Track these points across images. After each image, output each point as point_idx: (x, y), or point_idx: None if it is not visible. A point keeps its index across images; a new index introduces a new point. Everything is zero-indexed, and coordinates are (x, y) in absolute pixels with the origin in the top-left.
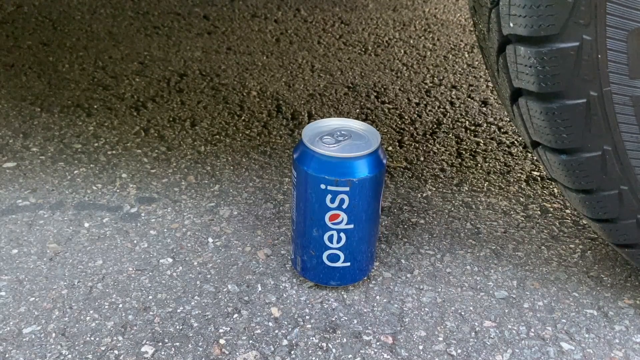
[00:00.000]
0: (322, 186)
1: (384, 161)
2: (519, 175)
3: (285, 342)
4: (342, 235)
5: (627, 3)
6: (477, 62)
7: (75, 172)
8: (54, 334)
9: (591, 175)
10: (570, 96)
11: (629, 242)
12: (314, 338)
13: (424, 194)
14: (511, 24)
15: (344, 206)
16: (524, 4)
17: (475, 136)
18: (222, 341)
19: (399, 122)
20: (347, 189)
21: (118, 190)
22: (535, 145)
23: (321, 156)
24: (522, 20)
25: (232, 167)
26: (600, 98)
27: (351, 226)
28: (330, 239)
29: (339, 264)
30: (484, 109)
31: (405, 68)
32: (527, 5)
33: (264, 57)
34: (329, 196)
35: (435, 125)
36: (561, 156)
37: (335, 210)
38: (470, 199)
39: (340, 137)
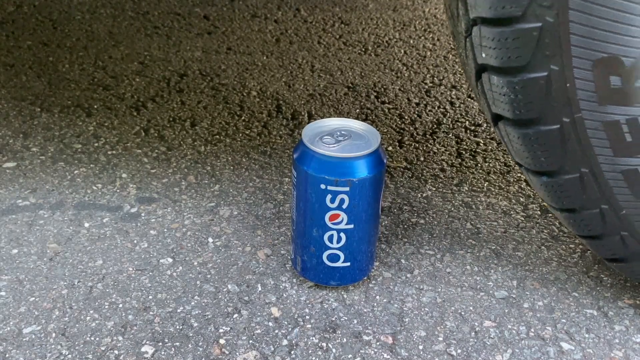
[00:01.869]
0: (322, 186)
1: (384, 161)
2: (519, 175)
3: (285, 342)
4: (342, 235)
5: (590, 35)
6: None
7: (75, 172)
8: (54, 334)
9: (572, 196)
10: (544, 122)
11: (617, 256)
12: (314, 338)
13: (424, 194)
14: (483, 55)
15: (344, 206)
16: (492, 36)
17: (475, 136)
18: (222, 341)
19: (399, 122)
20: (347, 189)
21: (118, 190)
22: (520, 166)
23: (321, 156)
24: (493, 51)
25: (232, 167)
26: (573, 124)
27: (351, 226)
28: (330, 239)
29: (339, 264)
30: None
31: (405, 68)
32: (495, 38)
33: (264, 57)
34: (329, 196)
35: (435, 125)
36: (542, 178)
37: (335, 210)
38: (470, 199)
39: (340, 137)
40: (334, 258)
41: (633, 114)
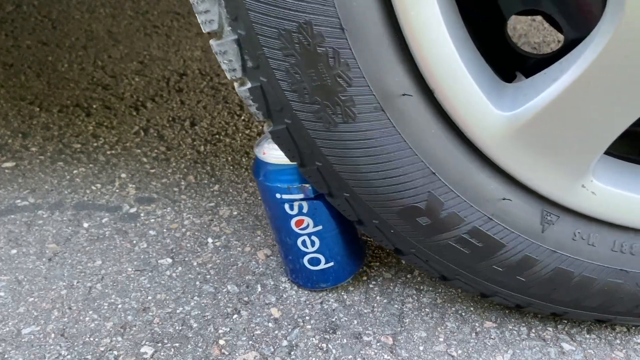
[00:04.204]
0: (278, 195)
1: None
2: None
3: (285, 342)
4: (315, 238)
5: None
6: None
7: (75, 172)
8: (53, 335)
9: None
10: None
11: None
12: (314, 339)
13: None
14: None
15: (305, 211)
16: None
17: None
18: (221, 342)
19: None
20: (302, 195)
21: (117, 190)
22: None
23: (270, 165)
24: None
25: (232, 167)
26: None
27: (319, 228)
28: (304, 244)
29: (322, 266)
30: None
31: None
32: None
33: None
34: (286, 204)
35: None
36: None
37: (297, 216)
38: None
39: None
40: (314, 262)
41: None
